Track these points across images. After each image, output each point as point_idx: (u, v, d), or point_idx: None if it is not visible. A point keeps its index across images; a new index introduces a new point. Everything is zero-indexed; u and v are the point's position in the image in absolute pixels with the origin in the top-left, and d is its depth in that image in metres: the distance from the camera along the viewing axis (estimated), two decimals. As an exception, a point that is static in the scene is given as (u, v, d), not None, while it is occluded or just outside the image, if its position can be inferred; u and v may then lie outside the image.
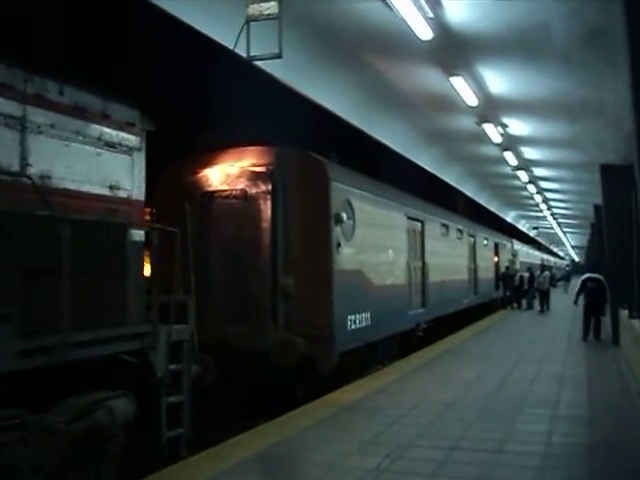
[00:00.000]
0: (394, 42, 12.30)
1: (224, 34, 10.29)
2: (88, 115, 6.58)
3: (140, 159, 7.33)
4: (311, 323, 10.71)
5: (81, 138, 6.51)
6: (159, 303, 7.08)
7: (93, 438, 6.10)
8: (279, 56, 9.76)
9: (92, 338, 6.10)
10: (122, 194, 7.04)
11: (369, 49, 12.76)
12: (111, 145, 6.89)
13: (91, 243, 6.08)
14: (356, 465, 6.60)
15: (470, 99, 14.81)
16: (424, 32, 10.99)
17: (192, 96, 12.17)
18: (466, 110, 15.79)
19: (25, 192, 5.65)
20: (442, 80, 13.86)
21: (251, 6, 9.75)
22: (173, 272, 7.40)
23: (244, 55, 10.06)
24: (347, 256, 11.69)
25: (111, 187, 6.88)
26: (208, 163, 11.33)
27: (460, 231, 22.51)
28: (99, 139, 6.74)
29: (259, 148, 11.49)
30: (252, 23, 9.90)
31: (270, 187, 11.00)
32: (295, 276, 10.88)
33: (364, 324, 12.18)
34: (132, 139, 7.19)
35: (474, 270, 24.96)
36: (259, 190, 11.06)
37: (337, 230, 11.29)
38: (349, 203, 11.98)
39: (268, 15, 9.71)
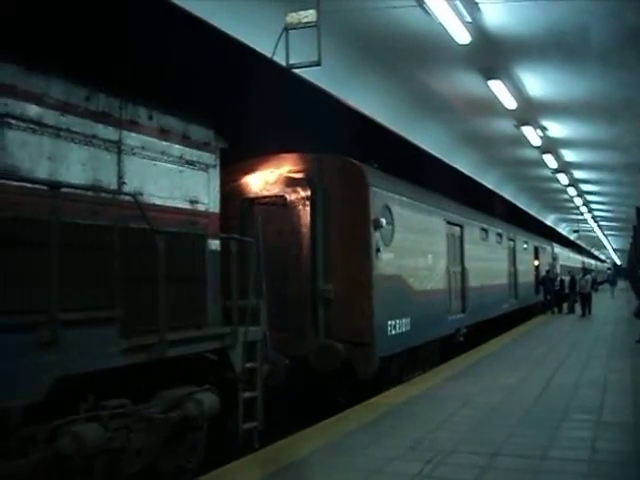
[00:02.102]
0: (432, 47, 12.23)
1: (264, 43, 10.33)
2: (172, 137, 7.09)
3: (215, 175, 7.82)
4: (351, 329, 10.61)
5: (166, 158, 6.99)
6: (237, 306, 7.59)
7: (184, 427, 6.66)
8: (318, 64, 9.74)
9: (183, 338, 6.66)
10: (201, 207, 7.52)
11: (407, 54, 12.72)
12: (191, 163, 7.36)
13: (179, 253, 6.61)
14: (398, 470, 6.53)
15: (509, 102, 14.66)
16: (462, 36, 10.88)
17: (231, 104, 12.26)
18: (504, 113, 15.65)
19: (122, 208, 6.14)
20: (480, 84, 13.76)
21: (290, 14, 9.76)
22: (245, 278, 7.82)
23: (283, 63, 10.09)
24: (386, 261, 11.57)
25: (191, 201, 7.36)
26: (248, 170, 11.33)
27: (500, 235, 22.21)
28: (181, 158, 7.21)
29: (298, 155, 11.45)
30: (291, 31, 9.96)
31: (309, 193, 10.95)
32: (335, 282, 10.79)
33: (404, 329, 12.05)
34: (208, 157, 7.67)
35: (514, 274, 24.56)
36: (298, 196, 11.02)
37: (376, 235, 11.19)
38: (388, 208, 11.87)
39: (307, 23, 9.70)
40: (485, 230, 19.96)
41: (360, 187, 11.04)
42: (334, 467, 6.69)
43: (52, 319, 4.94)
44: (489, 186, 26.18)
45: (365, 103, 14.27)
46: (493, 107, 15.12)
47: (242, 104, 12.37)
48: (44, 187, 5.20)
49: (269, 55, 10.12)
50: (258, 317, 8.14)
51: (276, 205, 11.05)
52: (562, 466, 6.68)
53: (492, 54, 12.32)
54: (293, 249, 10.87)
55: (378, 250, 11.21)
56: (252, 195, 11.21)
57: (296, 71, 10.55)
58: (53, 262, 5.00)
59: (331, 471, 6.54)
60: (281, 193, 11.08)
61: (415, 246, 13.25)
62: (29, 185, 5.19)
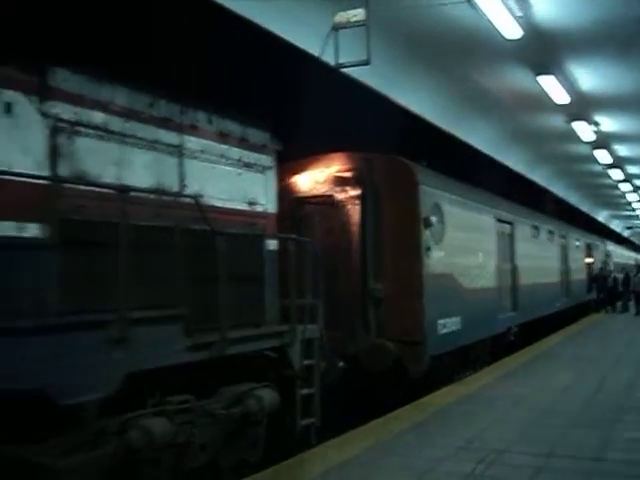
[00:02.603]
0: (480, 43, 12.27)
1: (312, 43, 10.50)
2: (230, 140, 7.32)
3: (272, 176, 8.05)
4: (402, 327, 10.71)
5: (225, 160, 7.21)
6: (295, 305, 7.81)
7: (245, 423, 6.89)
8: (367, 63, 9.86)
9: (244, 335, 6.90)
10: (259, 209, 7.74)
11: (455, 51, 12.76)
12: (249, 165, 7.58)
13: (238, 253, 6.77)
14: (450, 470, 6.54)
15: (560, 97, 14.58)
16: (512, 31, 10.91)
17: (281, 105, 12.50)
18: (555, 109, 15.57)
19: (183, 209, 6.39)
20: (530, 79, 13.74)
21: (339, 14, 9.91)
22: (302, 277, 8.03)
23: (332, 63, 10.25)
24: (437, 260, 11.65)
25: (250, 203, 7.58)
26: (297, 170, 11.49)
27: (551, 232, 22.05)
28: (239, 161, 7.44)
29: (347, 154, 11.59)
30: (338, 31, 10.10)
31: (359, 192, 11.08)
32: (385, 280, 10.91)
33: (455, 328, 12.11)
34: (265, 159, 7.90)
35: (566, 272, 24.37)
36: (348, 195, 11.16)
37: (426, 234, 11.27)
38: (438, 206, 11.96)
39: (355, 22, 9.83)
40: (536, 227, 19.85)
41: (410, 186, 11.14)
42: (385, 467, 6.73)
43: (122, 317, 5.19)
44: (539, 183, 25.97)
45: (414, 101, 14.34)
46: (543, 103, 15.05)
47: (291, 105, 12.60)
48: (110, 191, 5.47)
49: (317, 55, 10.32)
50: (315, 315, 8.30)
51: (326, 204, 11.18)
52: (616, 468, 6.64)
53: (543, 49, 12.29)
54: (343, 248, 10.97)
55: (428, 248, 11.30)
56: (302, 195, 11.36)
57: (345, 70, 10.72)
58: (122, 263, 5.25)
59: (382, 471, 6.58)
60: (331, 192, 11.22)
61: (465, 244, 13.30)
62: (96, 189, 5.46)
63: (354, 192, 11.11)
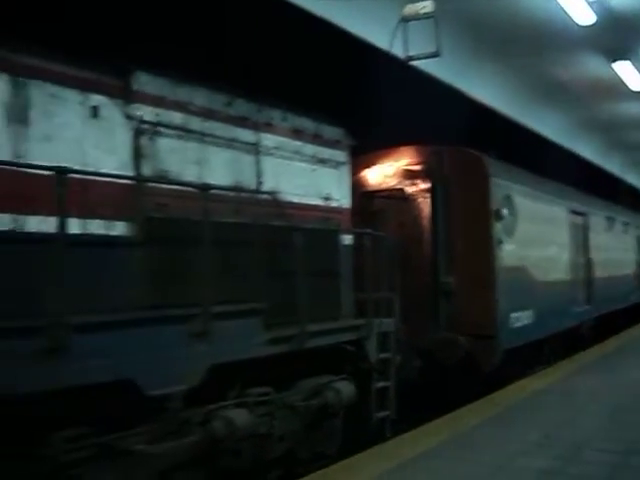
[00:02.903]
0: (551, 30, 12.15)
1: (379, 36, 10.58)
2: (304, 137, 7.52)
3: (346, 172, 8.22)
4: (474, 321, 10.70)
5: (299, 157, 7.43)
6: (372, 299, 7.97)
7: (323, 415, 7.10)
8: (437, 54, 9.90)
9: (323, 329, 7.09)
10: (333, 204, 7.93)
11: (524, 40, 12.66)
12: (323, 161, 7.77)
13: (315, 248, 6.95)
14: (526, 465, 6.51)
15: (636, 83, 14.29)
16: (585, 17, 10.75)
17: (350, 100, 12.64)
18: (630, 95, 15.25)
19: (261, 206, 6.63)
20: (604, 66, 13.52)
21: (407, 6, 9.96)
22: (377, 271, 8.16)
23: (401, 56, 10.30)
24: (509, 252, 11.58)
25: (324, 198, 7.77)
26: (367, 164, 11.56)
27: (626, 224, 21.55)
28: (313, 157, 7.63)
29: (416, 147, 11.60)
30: (408, 23, 10.14)
31: (429, 185, 11.11)
32: (456, 274, 10.92)
33: (527, 322, 12.02)
34: (339, 154, 8.07)
35: (642, 264, 23.81)
36: (418, 188, 11.20)
37: (498, 226, 11.23)
38: (509, 199, 11.87)
39: (424, 14, 9.87)
40: (610, 219, 19.45)
41: (480, 178, 11.12)
42: (460, 460, 6.73)
43: (205, 311, 5.42)
44: (614, 172, 25.43)
45: (482, 92, 14.28)
46: (617, 90, 14.81)
47: (361, 99, 12.72)
48: (191, 189, 5.71)
49: (386, 49, 10.39)
50: (391, 309, 8.45)
51: (396, 198, 11.25)
52: None
53: (618, 34, 12.06)
54: (414, 242, 11.00)
55: (500, 241, 11.25)
56: (371, 189, 11.43)
57: (413, 63, 10.76)
58: (204, 258, 5.48)
59: (457, 464, 6.59)
60: (400, 186, 11.28)
61: (537, 236, 13.15)
62: (178, 187, 5.72)
63: (424, 185, 11.15)
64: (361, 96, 12.79)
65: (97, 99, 5.28)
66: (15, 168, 4.67)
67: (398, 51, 10.21)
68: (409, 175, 11.27)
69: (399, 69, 11.20)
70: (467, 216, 11.01)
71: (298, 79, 10.79)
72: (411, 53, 10.18)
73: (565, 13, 10.54)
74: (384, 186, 11.39)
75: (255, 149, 6.77)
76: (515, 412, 9.00)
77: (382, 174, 11.47)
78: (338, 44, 10.76)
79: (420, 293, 10.84)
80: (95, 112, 5.26)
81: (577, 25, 11.34)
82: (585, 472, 6.33)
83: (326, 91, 11.48)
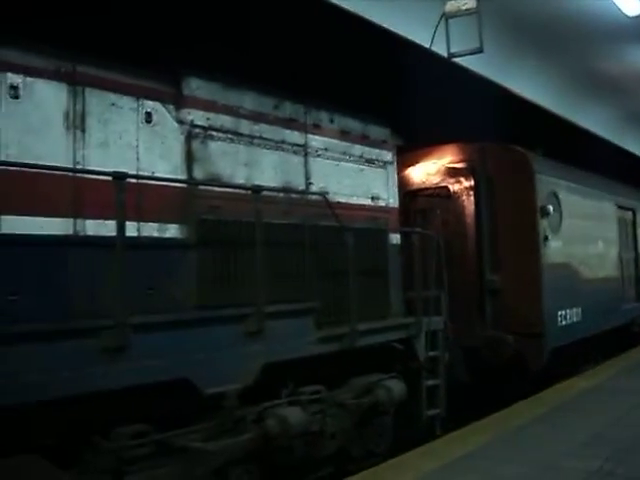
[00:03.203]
0: (596, 22, 12.06)
1: (422, 34, 10.65)
2: (352, 137, 7.69)
3: (393, 171, 8.36)
4: (520, 319, 10.70)
5: (347, 157, 7.59)
6: (421, 297, 8.15)
7: (374, 413, 7.25)
8: (480, 50, 9.92)
9: (373, 328, 7.26)
10: (381, 203, 8.07)
11: (568, 33, 12.57)
12: (370, 161, 7.93)
13: (364, 247, 7.18)
14: (575, 466, 6.47)
15: None
16: (633, 7, 10.68)
17: (393, 98, 12.74)
18: None
19: (309, 206, 6.85)
20: None
21: (449, 3, 10.03)
22: (426, 270, 8.40)
23: (444, 53, 10.37)
24: (555, 249, 11.56)
25: (372, 198, 7.91)
26: (410, 162, 11.59)
27: (677, 218, 21.27)
28: (361, 157, 7.80)
29: (460, 144, 11.66)
30: (449, 20, 10.21)
31: (473, 183, 11.14)
32: (502, 272, 10.93)
33: (575, 319, 11.95)
34: (386, 154, 8.22)
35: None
36: (462, 186, 11.24)
37: (544, 223, 11.22)
38: (555, 195, 11.85)
39: (467, 10, 9.92)
40: (660, 214, 19.23)
41: (525, 174, 11.11)
42: (507, 460, 6.74)
43: (258, 311, 5.63)
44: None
45: (526, 88, 14.18)
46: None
47: (404, 98, 12.80)
48: (242, 191, 5.93)
49: (428, 46, 10.47)
50: (439, 307, 8.60)
51: (440, 196, 11.29)
52: None
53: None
54: (458, 239, 11.03)
55: (546, 238, 11.23)
56: (415, 187, 11.50)
57: (457, 60, 10.81)
58: (257, 259, 5.68)
59: (504, 464, 6.60)
60: (444, 184, 11.32)
61: (584, 233, 13.09)
62: (229, 190, 5.93)
63: (468, 183, 11.19)
64: (405, 95, 12.86)
65: (150, 105, 5.51)
66: (75, 174, 4.93)
67: (441, 48, 10.28)
68: (453, 173, 11.32)
69: (441, 67, 11.25)
70: (512, 213, 11.01)
71: (343, 80, 10.94)
72: (453, 50, 10.24)
73: (613, 3, 10.48)
74: (427, 184, 11.45)
75: (303, 150, 6.96)
76: (563, 412, 8.98)
77: (425, 172, 11.54)
78: (380, 43, 10.85)
79: (466, 291, 10.86)
80: (149, 118, 5.48)
81: (625, 16, 11.26)
82: (635, 475, 6.27)
83: (371, 91, 11.60)
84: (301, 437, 6.01)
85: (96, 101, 5.16)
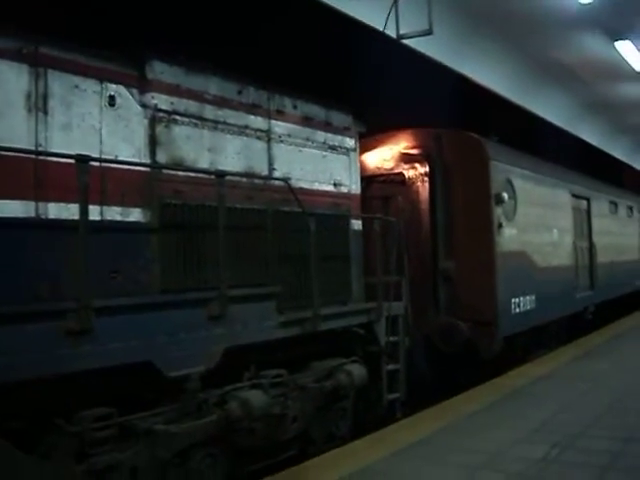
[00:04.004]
0: (550, 9, 12.41)
1: (374, 15, 10.89)
2: (315, 124, 8.00)
3: (355, 158, 8.75)
4: (474, 307, 10.99)
5: (310, 144, 7.91)
6: (382, 283, 8.48)
7: (335, 396, 7.59)
8: (429, 32, 10.21)
9: (334, 312, 7.62)
10: (343, 189, 8.44)
11: (522, 19, 12.82)
12: (333, 148, 8.27)
13: (326, 233, 7.50)
14: (522, 454, 6.61)
15: (639, 64, 14.63)
16: (586, -7, 11.08)
17: (347, 82, 13.00)
18: (634, 76, 15.58)
19: (272, 192, 7.15)
20: (606, 45, 13.75)
21: (398, -17, 10.28)
22: (386, 256, 8.72)
23: (394, 35, 10.65)
24: (509, 237, 11.87)
25: (335, 184, 8.27)
26: (364, 148, 11.83)
27: (630, 208, 22.03)
28: (324, 143, 8.13)
29: (416, 131, 11.86)
30: (399, 1, 10.45)
31: (428, 169, 11.35)
32: (456, 259, 11.21)
33: (529, 307, 12.31)
34: (348, 141, 8.59)
35: (646, 249, 24.38)
36: (417, 173, 11.44)
37: (498, 211, 11.48)
38: (510, 182, 12.16)
39: (417, -9, 10.19)
40: (614, 203, 19.87)
41: (480, 161, 11.37)
42: (455, 448, 6.89)
43: (221, 295, 5.91)
44: (617, 156, 25.82)
45: (481, 73, 14.43)
46: (620, 70, 15.06)
47: (362, 83, 13.06)
48: (206, 176, 6.18)
49: (380, 28, 10.73)
50: (400, 293, 9.00)
51: (394, 183, 11.50)
52: None
53: (619, 12, 12.25)
54: (413, 226, 11.14)
55: (500, 226, 11.49)
56: (370, 173, 11.61)
57: (408, 43, 11.09)
58: (220, 243, 5.96)
59: (452, 452, 6.74)
60: (399, 170, 11.52)
61: (539, 221, 13.45)
62: (192, 174, 6.18)
63: (423, 169, 11.39)
64: (364, 81, 13.13)
65: (114, 88, 5.70)
66: (37, 157, 5.09)
67: (392, 31, 10.53)
68: (408, 159, 11.52)
69: (397, 52, 11.50)
70: (467, 200, 11.28)
71: (306, 67, 11.16)
72: (403, 32, 10.49)
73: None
74: (382, 171, 11.64)
75: (267, 136, 7.24)
76: (514, 398, 9.23)
77: (381, 158, 11.71)
78: (336, 26, 11.10)
79: (420, 278, 11.02)
80: (112, 101, 5.67)
81: (579, 3, 11.64)
82: (583, 460, 6.41)
83: (332, 78, 11.84)
84: (263, 420, 6.29)
85: (59, 83, 5.31)
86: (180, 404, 5.75)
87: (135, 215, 5.76)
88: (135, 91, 5.88)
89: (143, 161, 5.89)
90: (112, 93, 5.69)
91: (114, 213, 5.58)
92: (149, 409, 5.58)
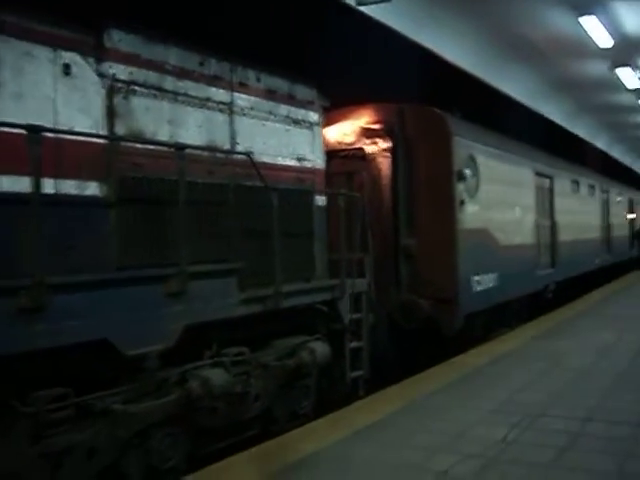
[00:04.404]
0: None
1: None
2: (278, 97, 7.98)
3: (319, 132, 8.77)
4: (435, 284, 11.10)
5: (273, 117, 7.89)
6: (346, 260, 8.57)
7: (298, 374, 7.67)
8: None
9: (297, 289, 7.70)
10: (307, 164, 8.46)
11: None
12: (297, 122, 8.28)
13: (289, 208, 7.53)
14: (482, 435, 6.64)
15: (603, 40, 14.73)
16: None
17: (316, 58, 12.94)
18: (598, 53, 15.68)
19: (235, 166, 7.09)
20: (571, 21, 13.84)
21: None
22: (350, 232, 8.83)
23: (352, 2, 10.63)
24: (471, 214, 11.99)
25: (298, 159, 8.29)
26: (327, 123, 11.83)
27: (592, 187, 22.44)
28: (287, 117, 8.12)
29: (377, 105, 11.86)
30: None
31: (389, 145, 11.37)
32: (418, 236, 11.29)
33: (490, 285, 12.50)
34: (312, 115, 8.60)
35: (607, 228, 24.91)
36: (378, 148, 11.45)
37: (460, 187, 11.58)
38: (472, 159, 12.25)
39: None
40: (576, 182, 20.20)
41: (443, 137, 11.45)
42: (413, 430, 6.88)
43: (181, 271, 5.89)
44: (581, 135, 26.13)
45: (443, 46, 14.45)
46: (586, 47, 15.16)
47: (326, 56, 13.00)
48: (166, 149, 6.12)
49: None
50: (363, 269, 9.06)
51: (356, 158, 11.49)
52: None
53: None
54: (374, 203, 11.16)
55: (462, 202, 11.61)
56: (330, 148, 11.66)
57: (369, 14, 11.06)
58: (180, 218, 5.93)
59: (410, 434, 6.74)
60: (360, 145, 11.52)
61: (501, 198, 13.61)
62: (152, 147, 6.11)
63: (384, 144, 11.40)
64: (324, 52, 13.08)
65: (68, 56, 5.57)
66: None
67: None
68: (369, 134, 11.51)
69: (358, 22, 11.49)
70: (428, 176, 11.34)
71: (269, 38, 11.09)
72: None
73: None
74: (343, 146, 11.59)
75: (229, 109, 7.19)
76: (474, 377, 9.29)
77: (341, 133, 11.65)
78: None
79: (382, 255, 11.03)
80: (67, 70, 5.56)
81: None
82: (542, 441, 6.46)
83: (293, 48, 11.78)
84: (224, 399, 6.33)
85: (8, 49, 5.17)
86: (138, 383, 5.74)
87: (92, 189, 5.68)
88: (92, 60, 5.77)
89: (101, 133, 5.80)
90: (67, 61, 5.57)
91: (69, 187, 5.49)
92: (107, 389, 5.55)
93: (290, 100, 8.16)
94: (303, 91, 8.41)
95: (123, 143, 5.96)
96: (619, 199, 28.00)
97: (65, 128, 5.48)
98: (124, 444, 5.56)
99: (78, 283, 5.27)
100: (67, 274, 5.26)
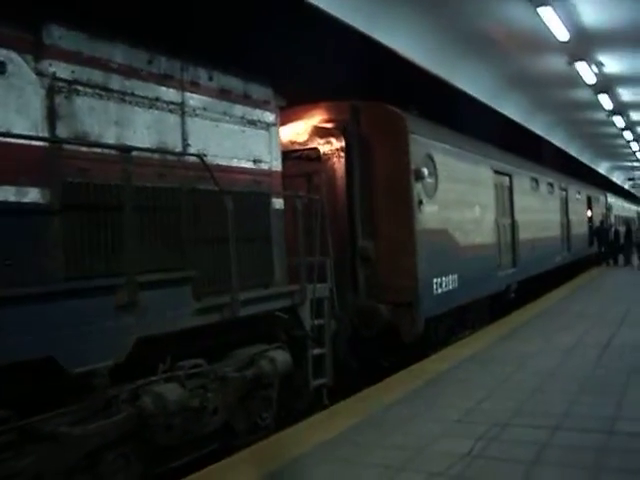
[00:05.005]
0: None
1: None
2: (232, 97, 7.86)
3: (276, 133, 8.66)
4: (394, 288, 11.08)
5: (228, 118, 7.77)
6: (306, 265, 8.53)
7: (257, 385, 7.57)
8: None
9: (255, 297, 7.59)
10: (264, 166, 8.36)
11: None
12: (252, 123, 8.17)
13: (245, 212, 7.42)
14: (445, 449, 6.50)
15: (561, 33, 14.79)
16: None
17: (273, 56, 12.83)
18: (556, 47, 15.73)
19: (187, 169, 6.95)
20: (529, 12, 13.81)
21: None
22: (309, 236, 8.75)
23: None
24: (430, 214, 12.00)
25: (254, 161, 8.18)
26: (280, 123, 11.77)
27: (551, 185, 22.76)
28: (242, 118, 8.01)
29: (330, 103, 11.83)
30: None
31: (344, 144, 11.30)
32: (375, 238, 11.26)
33: (451, 287, 12.56)
34: (268, 116, 8.50)
35: (567, 226, 25.33)
36: (332, 148, 11.37)
37: (418, 187, 11.57)
38: (430, 157, 12.27)
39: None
40: (535, 180, 20.46)
41: (399, 135, 11.42)
42: (372, 446, 6.72)
43: (130, 281, 5.73)
44: (539, 132, 26.40)
45: (397, 41, 14.39)
46: (543, 41, 15.18)
47: (280, 55, 12.90)
48: (112, 152, 5.95)
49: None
50: (325, 274, 9.00)
51: (310, 159, 11.40)
52: (634, 442, 6.47)
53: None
54: (329, 204, 10.81)
55: (420, 203, 11.60)
56: (284, 149, 11.65)
57: (319, 5, 10.96)
58: (128, 226, 5.77)
59: (369, 450, 6.59)
60: (313, 145, 11.43)
61: (460, 198, 13.67)
62: (98, 150, 5.93)
63: (339, 144, 11.32)
64: (276, 49, 12.98)
65: (3, 54, 5.37)
66: None
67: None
68: (323, 133, 11.44)
69: (308, 16, 11.40)
70: (385, 176, 11.31)
71: (221, 35, 10.97)
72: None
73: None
74: (296, 146, 11.49)
75: (180, 109, 7.06)
76: (437, 385, 9.20)
77: (294, 133, 11.57)
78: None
79: (338, 259, 10.84)
80: (2, 68, 5.34)
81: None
82: (510, 454, 6.32)
83: (250, 48, 11.66)
84: (180, 414, 6.19)
85: None
86: (87, 403, 5.57)
87: (32, 195, 5.48)
88: (30, 57, 5.57)
89: (41, 135, 5.61)
90: (2, 59, 5.36)
91: (7, 193, 5.28)
92: (53, 409, 5.37)
93: (245, 100, 8.05)
94: (258, 90, 8.31)
95: (66, 146, 5.76)
96: (578, 196, 28.49)
97: (0, 130, 5.27)
98: (72, 469, 5.38)
99: (18, 297, 5.07)
100: (6, 287, 5.06)
